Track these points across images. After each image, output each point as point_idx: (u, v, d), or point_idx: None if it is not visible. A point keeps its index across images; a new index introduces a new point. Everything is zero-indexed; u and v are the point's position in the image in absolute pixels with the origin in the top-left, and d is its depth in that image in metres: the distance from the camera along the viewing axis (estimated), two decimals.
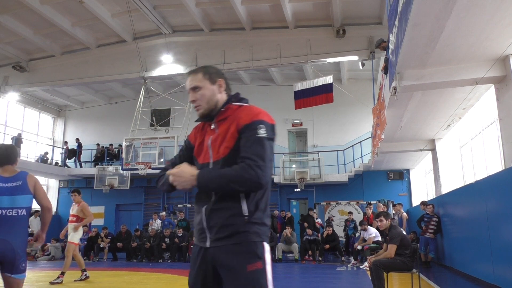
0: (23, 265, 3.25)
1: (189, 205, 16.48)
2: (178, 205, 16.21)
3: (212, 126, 2.02)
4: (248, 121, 1.87)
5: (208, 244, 1.88)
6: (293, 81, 16.48)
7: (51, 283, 7.14)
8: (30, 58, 16.50)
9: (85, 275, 7.76)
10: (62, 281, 7.29)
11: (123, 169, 14.60)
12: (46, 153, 18.35)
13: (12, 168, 3.44)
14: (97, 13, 13.25)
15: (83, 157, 19.01)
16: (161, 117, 16.76)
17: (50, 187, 19.40)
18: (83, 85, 17.34)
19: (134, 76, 15.41)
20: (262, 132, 1.83)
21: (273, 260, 12.49)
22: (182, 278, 8.63)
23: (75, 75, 16.00)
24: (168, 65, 15.09)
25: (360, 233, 11.71)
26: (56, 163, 18.62)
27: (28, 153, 17.88)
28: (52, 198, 19.08)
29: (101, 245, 13.87)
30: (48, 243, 14.52)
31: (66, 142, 19.08)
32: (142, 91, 15.11)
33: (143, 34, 15.00)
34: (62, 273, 7.33)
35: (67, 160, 18.77)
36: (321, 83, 13.11)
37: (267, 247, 1.88)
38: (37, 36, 14.82)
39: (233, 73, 16.05)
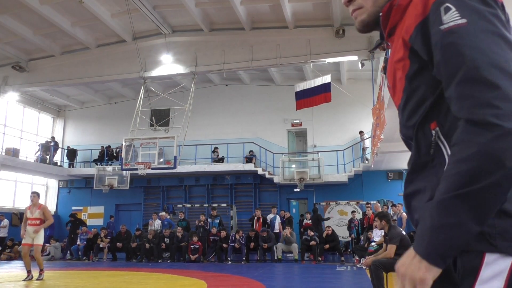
0: None
1: (188, 205, 16.46)
2: (178, 205, 16.21)
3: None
4: (421, 11, 0.93)
5: None
6: (292, 81, 16.47)
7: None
8: (30, 58, 16.46)
9: (42, 275, 8.06)
10: (43, 277, 7.92)
11: (122, 169, 14.48)
12: (45, 152, 18.27)
13: None
14: (97, 13, 13.23)
15: (83, 158, 19.03)
16: (160, 117, 16.74)
17: (50, 187, 19.38)
18: (82, 85, 17.31)
19: (133, 76, 15.39)
20: (452, 17, 0.86)
21: (273, 260, 12.50)
22: (182, 278, 8.64)
23: (74, 75, 15.98)
24: (168, 65, 15.07)
25: (363, 234, 11.80)
26: (56, 163, 18.60)
27: (28, 153, 17.85)
28: (52, 198, 19.14)
29: (101, 245, 13.85)
30: (47, 244, 14.48)
31: (53, 137, 18.94)
32: (142, 91, 15.08)
33: (142, 34, 14.98)
34: (42, 270, 8.02)
35: (67, 161, 18.79)
36: (320, 83, 13.10)
37: (500, 263, 0.87)
38: (37, 36, 14.79)
39: (233, 73, 16.04)
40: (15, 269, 10.37)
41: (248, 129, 17.64)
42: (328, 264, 11.54)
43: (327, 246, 12.09)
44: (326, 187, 15.80)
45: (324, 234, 12.24)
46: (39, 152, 17.61)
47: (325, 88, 12.99)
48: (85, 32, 14.93)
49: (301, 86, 13.42)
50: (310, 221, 13.32)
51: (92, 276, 9.28)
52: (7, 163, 15.33)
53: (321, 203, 15.22)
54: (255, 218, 13.60)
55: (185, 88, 16.66)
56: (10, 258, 13.66)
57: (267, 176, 15.90)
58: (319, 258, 12.04)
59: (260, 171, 16.02)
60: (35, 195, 8.07)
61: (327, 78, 13.03)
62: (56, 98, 19.11)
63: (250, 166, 16.08)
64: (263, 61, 14.18)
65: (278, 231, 13.11)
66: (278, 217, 13.63)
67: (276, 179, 15.59)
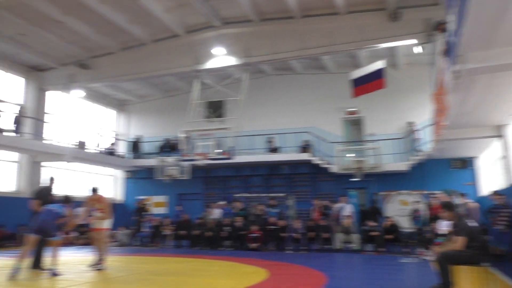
0: (56, 233, 6.96)
1: (247, 195, 16.70)
2: (236, 195, 16.48)
3: None
4: None
5: None
6: (346, 68, 16.13)
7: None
8: (92, 55, 17.14)
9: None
10: (103, 266, 8.09)
11: (181, 161, 15.05)
12: (112, 144, 19.44)
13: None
14: (151, 9, 13.57)
15: (146, 149, 19.85)
16: (215, 109, 16.95)
17: (117, 177, 20.55)
18: (140, 80, 17.85)
19: (187, 70, 15.69)
20: None
21: (333, 250, 12.46)
22: (243, 266, 8.89)
23: (132, 71, 16.53)
24: (220, 57, 15.24)
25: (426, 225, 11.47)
26: (122, 156, 19.64)
27: (96, 146, 18.90)
28: (119, 187, 20.38)
29: (165, 233, 14.50)
30: (116, 231, 15.50)
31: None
32: (196, 84, 15.40)
33: (195, 28, 15.23)
34: (101, 258, 8.19)
35: (130, 152, 19.80)
36: (374, 69, 12.68)
37: None
38: (98, 35, 15.43)
39: (284, 62, 15.96)
40: (90, 254, 11.04)
41: (302, 119, 17.54)
42: (391, 255, 11.26)
43: (389, 236, 11.82)
44: (386, 176, 15.42)
45: (385, 226, 11.97)
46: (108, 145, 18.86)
47: (379, 74, 12.60)
48: (141, 28, 15.38)
49: (356, 74, 13.10)
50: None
51: (159, 262, 9.78)
52: (78, 155, 16.50)
53: (381, 193, 14.87)
54: (314, 207, 13.61)
55: (238, 79, 16.82)
56: (86, 244, 14.59)
57: (323, 165, 15.78)
58: (381, 249, 11.83)
59: (316, 160, 15.92)
60: (94, 190, 8.63)
61: (381, 64, 12.64)
62: (118, 93, 20.04)
63: (305, 156, 16.02)
64: (314, 49, 13.95)
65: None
66: (348, 206, 13.48)
67: (332, 169, 15.43)
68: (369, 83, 12.68)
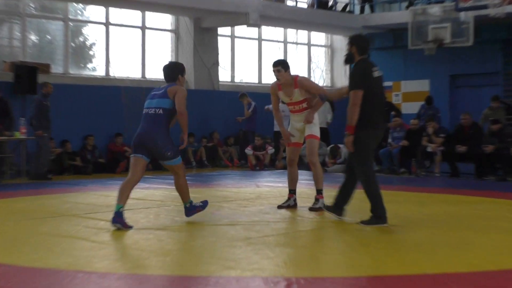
0: (168, 153, 6.54)
1: None
2: None
3: None
4: None
5: None
6: None
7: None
8: None
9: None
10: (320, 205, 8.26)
11: (458, 9, 14.28)
12: None
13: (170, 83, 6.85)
14: None
15: None
16: None
17: (335, 49, 20.49)
18: None
19: None
20: None
21: None
22: None
23: None
24: None
25: None
26: (344, 9, 18.98)
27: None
28: (338, 67, 20.00)
29: (428, 149, 13.12)
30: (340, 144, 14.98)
31: None
32: None
33: None
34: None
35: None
36: None
37: None
38: None
39: None
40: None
41: None
42: None
43: None
44: None
45: None
46: None
47: None
48: None
49: None
50: None
51: (422, 199, 8.95)
52: (268, 13, 16.14)
53: None
54: None
55: None
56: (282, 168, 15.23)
57: None
58: None
59: None
60: (280, 67, 7.64)
61: None
62: None
63: None
64: None
65: None
66: None
67: None
68: None
